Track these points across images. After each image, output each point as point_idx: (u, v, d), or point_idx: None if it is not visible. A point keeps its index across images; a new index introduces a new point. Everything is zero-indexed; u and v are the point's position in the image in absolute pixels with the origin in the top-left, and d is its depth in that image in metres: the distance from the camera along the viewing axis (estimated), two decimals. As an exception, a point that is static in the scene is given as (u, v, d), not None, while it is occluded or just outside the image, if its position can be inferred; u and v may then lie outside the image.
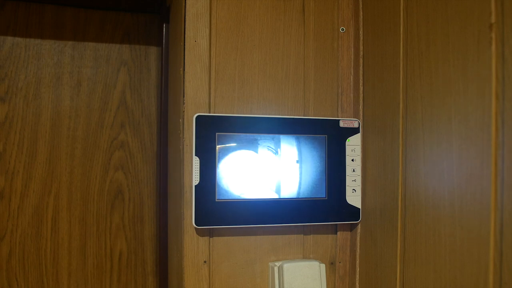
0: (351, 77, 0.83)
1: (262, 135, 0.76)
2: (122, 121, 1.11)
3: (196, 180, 0.73)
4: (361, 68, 0.80)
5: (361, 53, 0.80)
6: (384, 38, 0.72)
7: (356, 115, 0.82)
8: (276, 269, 0.77)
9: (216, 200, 0.73)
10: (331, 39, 0.83)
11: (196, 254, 0.75)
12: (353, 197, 0.79)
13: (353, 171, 0.79)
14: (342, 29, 0.83)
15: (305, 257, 0.81)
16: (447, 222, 0.57)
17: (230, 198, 0.74)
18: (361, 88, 0.80)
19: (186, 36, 0.76)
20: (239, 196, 0.75)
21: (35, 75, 1.06)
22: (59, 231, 1.07)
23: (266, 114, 0.79)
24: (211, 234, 0.77)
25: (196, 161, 0.73)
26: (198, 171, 0.73)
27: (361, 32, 0.80)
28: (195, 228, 0.75)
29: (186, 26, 0.75)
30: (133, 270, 1.12)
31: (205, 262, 0.75)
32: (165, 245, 1.04)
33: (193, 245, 0.75)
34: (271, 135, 0.76)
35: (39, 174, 1.06)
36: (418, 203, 0.63)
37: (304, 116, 0.81)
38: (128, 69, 1.12)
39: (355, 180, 0.79)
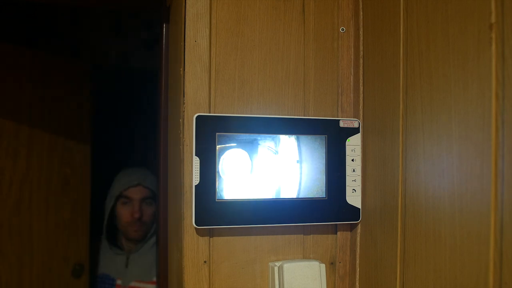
0: (351, 77, 0.83)
1: (262, 135, 0.76)
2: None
3: (196, 180, 0.73)
4: (361, 68, 0.80)
5: (361, 53, 0.80)
6: (384, 38, 0.72)
7: (356, 115, 0.82)
8: (276, 269, 0.76)
9: (216, 200, 0.73)
10: (331, 39, 0.83)
11: (196, 254, 0.75)
12: (353, 197, 0.79)
13: (353, 171, 0.79)
14: (342, 29, 0.83)
15: (305, 257, 0.81)
16: (447, 222, 0.57)
17: (230, 198, 0.74)
18: (361, 88, 0.80)
19: (186, 36, 0.75)
20: (239, 196, 0.75)
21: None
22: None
23: (266, 114, 0.79)
24: (211, 234, 0.77)
25: (196, 161, 0.73)
26: (198, 171, 0.73)
27: (361, 32, 0.80)
28: (195, 228, 0.75)
29: (186, 26, 0.75)
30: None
31: (205, 262, 0.75)
32: (165, 245, 1.04)
33: (193, 245, 0.75)
34: (271, 135, 0.76)
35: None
36: (418, 203, 0.63)
37: (304, 116, 0.81)
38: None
39: (355, 180, 0.79)
